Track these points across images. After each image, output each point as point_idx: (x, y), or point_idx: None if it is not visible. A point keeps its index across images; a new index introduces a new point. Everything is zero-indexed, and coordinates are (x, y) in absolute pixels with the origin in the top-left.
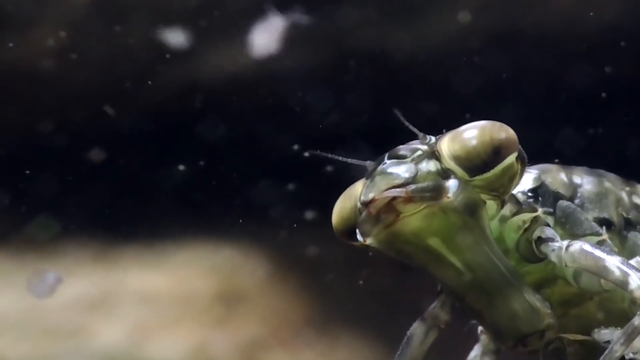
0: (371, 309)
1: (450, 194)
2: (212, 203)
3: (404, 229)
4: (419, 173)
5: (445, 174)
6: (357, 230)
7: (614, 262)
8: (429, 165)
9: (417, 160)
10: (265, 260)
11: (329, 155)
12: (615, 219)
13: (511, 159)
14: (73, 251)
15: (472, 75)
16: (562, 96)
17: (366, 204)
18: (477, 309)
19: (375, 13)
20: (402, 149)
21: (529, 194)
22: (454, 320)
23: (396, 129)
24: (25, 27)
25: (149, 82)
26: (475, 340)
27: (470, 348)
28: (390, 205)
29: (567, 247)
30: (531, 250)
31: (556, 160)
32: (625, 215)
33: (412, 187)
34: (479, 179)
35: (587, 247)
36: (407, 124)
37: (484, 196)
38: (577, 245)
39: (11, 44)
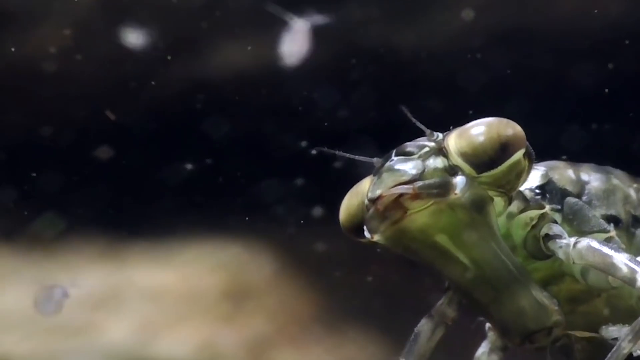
0: (378, 306)
1: (457, 191)
2: (219, 200)
3: (411, 225)
4: (426, 170)
5: (452, 170)
6: (365, 227)
7: (621, 259)
8: (436, 162)
9: (425, 157)
10: (272, 257)
11: (336, 152)
12: (622, 215)
13: (518, 155)
14: (80, 249)
15: (478, 73)
16: (568, 93)
17: (373, 201)
18: (484, 306)
19: (381, 10)
20: (410, 146)
21: (537, 190)
22: (461, 317)
23: (403, 125)
24: (29, 25)
25: (154, 81)
26: (483, 337)
27: (478, 345)
28: (398, 202)
29: (575, 244)
30: (538, 247)
31: (564, 157)
32: (632, 212)
33: (420, 183)
34: (486, 175)
35: (595, 244)
36: (414, 120)
37: (491, 193)
38: (585, 242)
39: (16, 43)
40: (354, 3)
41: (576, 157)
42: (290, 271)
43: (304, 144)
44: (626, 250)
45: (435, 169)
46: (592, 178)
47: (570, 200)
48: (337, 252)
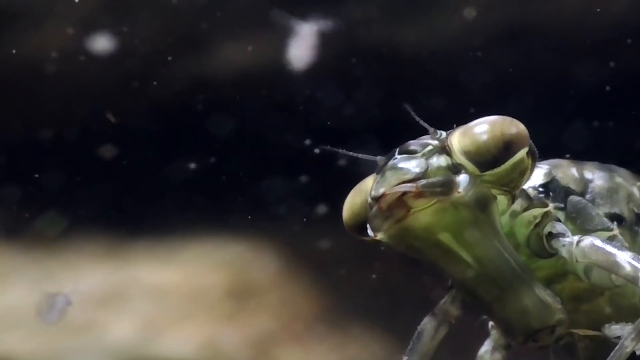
0: (382, 304)
1: (460, 189)
2: (222, 199)
3: (415, 224)
4: (429, 168)
5: (455, 169)
6: (368, 225)
7: (624, 258)
8: (440, 160)
9: (428, 155)
10: (275, 255)
11: (339, 151)
12: (626, 214)
13: (522, 153)
14: (83, 247)
15: (480, 71)
16: (571, 92)
17: (377, 199)
18: (487, 304)
19: (383, 9)
20: (413, 144)
21: (540, 189)
22: (464, 316)
23: (406, 124)
24: (34, 23)
25: (157, 80)
26: (486, 335)
27: (481, 343)
28: (401, 201)
29: (578, 242)
30: (542, 245)
31: (567, 156)
32: (636, 210)
33: (423, 182)
34: (489, 174)
35: (598, 242)
36: (417, 119)
37: (494, 191)
38: (588, 240)
39: (19, 42)
40: (355, 2)
41: (579, 156)
42: (293, 269)
43: (307, 142)
44: (629, 249)
45: (439, 168)
46: (596, 176)
47: (574, 198)
48: (341, 250)
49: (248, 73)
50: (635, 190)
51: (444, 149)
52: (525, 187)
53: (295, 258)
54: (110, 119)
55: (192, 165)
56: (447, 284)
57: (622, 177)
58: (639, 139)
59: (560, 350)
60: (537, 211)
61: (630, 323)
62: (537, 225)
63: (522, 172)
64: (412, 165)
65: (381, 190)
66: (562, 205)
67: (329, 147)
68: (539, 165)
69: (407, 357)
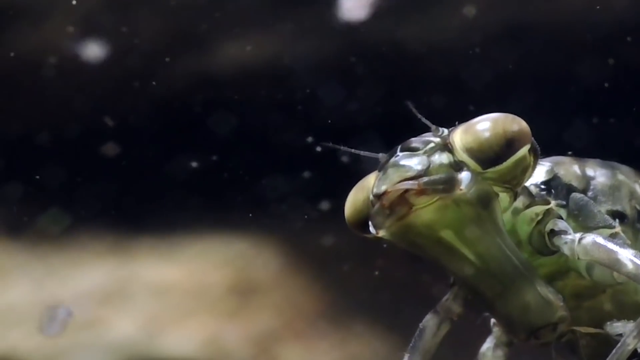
0: (384, 301)
1: (462, 186)
2: (224, 196)
3: (417, 221)
4: (431, 165)
5: (457, 166)
6: (370, 223)
7: (626, 255)
8: (442, 158)
9: (430, 153)
10: (277, 252)
11: (341, 148)
12: (628, 211)
13: (524, 151)
14: (86, 243)
15: (483, 68)
16: (574, 89)
17: (379, 197)
18: (489, 301)
19: (385, 6)
20: (415, 142)
21: (542, 186)
22: (466, 313)
23: (408, 121)
24: (37, 20)
25: (159, 77)
26: (488, 332)
27: (483, 340)
28: (403, 198)
29: (580, 239)
30: (544, 242)
31: (569, 153)
32: (638, 207)
33: (425, 179)
34: (491, 171)
35: (600, 239)
36: (419, 116)
37: (496, 188)
38: (590, 238)
39: (23, 37)
40: None
41: (581, 153)
42: (295, 267)
43: (309, 139)
44: (631, 246)
45: (441, 165)
46: (598, 174)
47: (576, 195)
48: (343, 247)
49: (249, 70)
50: (637, 187)
51: (446, 146)
52: (527, 184)
53: (298, 255)
54: (108, 122)
55: (195, 163)
56: (449, 281)
57: (624, 174)
58: None
59: (562, 348)
60: (539, 208)
61: (632, 321)
62: (539, 222)
63: (524, 170)
64: (414, 163)
65: (383, 188)
66: (564, 202)
67: (330, 145)
68: (541, 162)
69: (408, 355)
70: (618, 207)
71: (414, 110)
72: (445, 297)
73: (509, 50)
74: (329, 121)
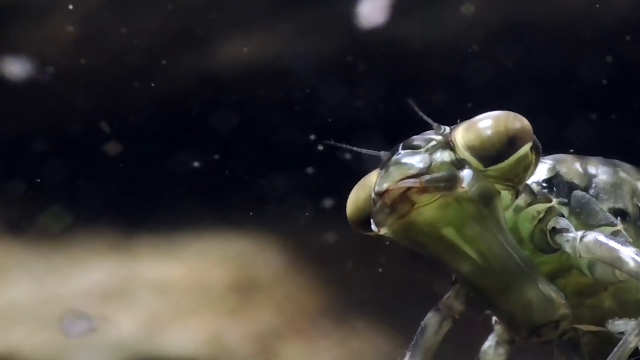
0: (386, 299)
1: (464, 184)
2: (226, 194)
3: (419, 219)
4: (433, 163)
5: (459, 164)
6: (372, 221)
7: (628, 253)
8: (444, 156)
9: (432, 151)
10: (279, 250)
11: (343, 146)
12: (630, 209)
13: (526, 149)
14: (87, 242)
15: (484, 66)
16: (575, 86)
17: (380, 194)
18: (491, 299)
19: (386, 4)
20: (417, 139)
21: (544, 184)
22: (468, 311)
23: (410, 119)
24: (39, 18)
25: (161, 74)
26: (490, 330)
27: (485, 338)
28: (405, 196)
29: (582, 237)
30: (545, 240)
31: (571, 151)
32: None
33: (427, 177)
34: (493, 169)
35: (602, 237)
36: (421, 114)
37: (498, 186)
38: (592, 235)
39: (23, 37)
40: None
41: (583, 151)
42: (297, 264)
43: (311, 137)
44: (633, 244)
45: (443, 163)
46: (600, 171)
47: (578, 193)
48: (344, 245)
49: (250, 69)
50: (639, 185)
51: (448, 144)
52: (529, 182)
53: (299, 253)
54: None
55: (196, 161)
56: (451, 279)
57: (626, 172)
58: None
59: (564, 346)
60: (541, 206)
61: (634, 319)
62: (540, 220)
63: (526, 167)
64: (415, 161)
65: (385, 186)
66: (566, 200)
67: (332, 142)
68: (542, 160)
69: (410, 353)
70: (620, 205)
71: (415, 108)
72: (447, 295)
73: (510, 49)
74: (330, 119)
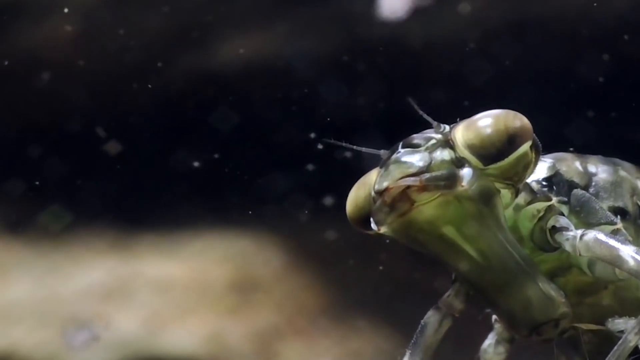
0: (386, 297)
1: (464, 183)
2: (226, 193)
3: (418, 217)
4: (433, 162)
5: (459, 162)
6: (372, 219)
7: (628, 252)
8: (443, 154)
9: (431, 149)
10: (279, 249)
11: (343, 144)
12: (630, 208)
13: (525, 147)
14: (87, 241)
15: (485, 65)
16: (575, 85)
17: (380, 193)
18: (491, 298)
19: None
20: (416, 138)
21: (544, 182)
22: (468, 309)
23: (410, 117)
24: (39, 16)
25: (161, 73)
26: (490, 328)
27: (485, 337)
28: (405, 194)
29: (582, 236)
30: (545, 239)
31: (571, 149)
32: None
33: (427, 175)
34: (493, 167)
35: (602, 236)
36: (421, 112)
37: (498, 185)
38: (592, 234)
39: (26, 34)
40: None
41: (583, 149)
42: (297, 263)
43: (311, 135)
44: (633, 243)
45: (442, 161)
46: (600, 170)
47: (578, 192)
48: (344, 244)
49: (251, 68)
50: (639, 183)
51: (448, 143)
52: (529, 180)
53: (299, 252)
54: (101, 134)
55: (196, 160)
56: (451, 278)
57: (626, 170)
58: None
59: (564, 344)
60: (541, 205)
61: (633, 317)
62: (540, 218)
63: (526, 166)
64: (415, 159)
65: (385, 184)
66: (566, 198)
67: (332, 141)
68: (542, 158)
69: (410, 351)
70: (620, 204)
71: (415, 106)
72: (447, 294)
73: (509, 47)
74: (330, 118)
